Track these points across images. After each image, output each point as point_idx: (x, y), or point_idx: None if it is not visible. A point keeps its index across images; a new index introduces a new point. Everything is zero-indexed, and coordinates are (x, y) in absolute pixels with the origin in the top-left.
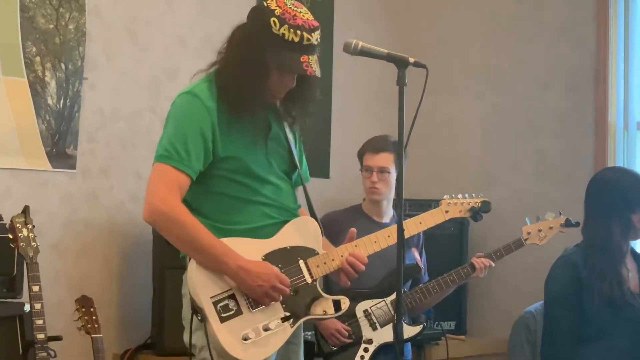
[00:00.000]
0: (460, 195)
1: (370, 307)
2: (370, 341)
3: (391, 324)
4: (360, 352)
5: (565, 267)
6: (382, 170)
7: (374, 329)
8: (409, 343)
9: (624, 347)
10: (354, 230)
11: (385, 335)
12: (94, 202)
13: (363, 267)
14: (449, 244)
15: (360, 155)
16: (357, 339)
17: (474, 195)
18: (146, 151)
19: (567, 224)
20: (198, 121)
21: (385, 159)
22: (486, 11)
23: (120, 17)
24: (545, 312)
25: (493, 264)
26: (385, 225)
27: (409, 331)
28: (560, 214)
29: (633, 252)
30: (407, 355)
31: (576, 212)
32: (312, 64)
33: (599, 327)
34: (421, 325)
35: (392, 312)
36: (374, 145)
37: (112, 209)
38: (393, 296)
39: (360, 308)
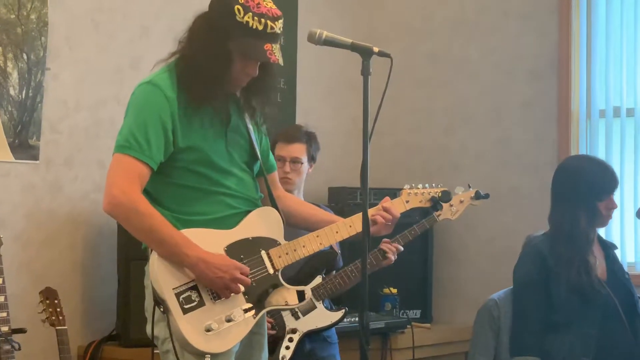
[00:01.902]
0: (420, 185)
1: None
2: (294, 330)
3: (313, 311)
4: (286, 342)
5: (533, 256)
6: (295, 161)
7: (297, 318)
8: (334, 328)
9: (592, 334)
10: (387, 198)
11: (308, 323)
12: (57, 192)
13: (398, 214)
14: None
15: (273, 144)
16: (280, 330)
17: (434, 184)
18: (110, 141)
19: (477, 196)
20: (158, 111)
21: (298, 149)
22: (451, 0)
23: (84, 6)
24: (514, 301)
25: (401, 248)
26: None
27: (331, 317)
28: (470, 187)
29: (600, 239)
30: (334, 338)
31: (540, 200)
32: (276, 52)
33: (567, 315)
34: (343, 311)
35: (313, 299)
36: (287, 135)
37: (76, 200)
38: (312, 283)
39: None
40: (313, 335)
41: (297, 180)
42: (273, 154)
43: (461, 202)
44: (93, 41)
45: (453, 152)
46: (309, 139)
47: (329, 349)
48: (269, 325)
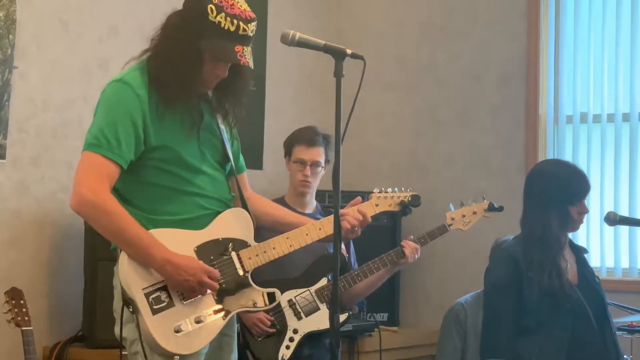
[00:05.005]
0: (390, 189)
1: (294, 297)
2: (295, 331)
3: (316, 313)
4: (286, 342)
5: (505, 259)
6: (316, 165)
7: (299, 318)
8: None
9: (563, 338)
10: (359, 198)
11: (311, 324)
12: (24, 192)
13: (369, 218)
14: (382, 236)
15: (290, 146)
16: (282, 329)
17: (403, 189)
18: (78, 141)
19: (491, 208)
20: (129, 109)
21: (318, 153)
22: (420, 5)
23: (52, 5)
24: (485, 304)
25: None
26: (307, 216)
27: None
28: (484, 198)
29: (571, 244)
30: None
31: (507, 204)
32: (246, 55)
33: (538, 318)
34: (346, 314)
35: (317, 301)
36: (307, 138)
37: (42, 200)
38: (317, 285)
39: (284, 298)
40: (314, 342)
41: (314, 184)
42: (290, 155)
43: (474, 213)
44: (61, 40)
45: (421, 156)
46: (327, 142)
47: (329, 357)
48: (269, 322)
